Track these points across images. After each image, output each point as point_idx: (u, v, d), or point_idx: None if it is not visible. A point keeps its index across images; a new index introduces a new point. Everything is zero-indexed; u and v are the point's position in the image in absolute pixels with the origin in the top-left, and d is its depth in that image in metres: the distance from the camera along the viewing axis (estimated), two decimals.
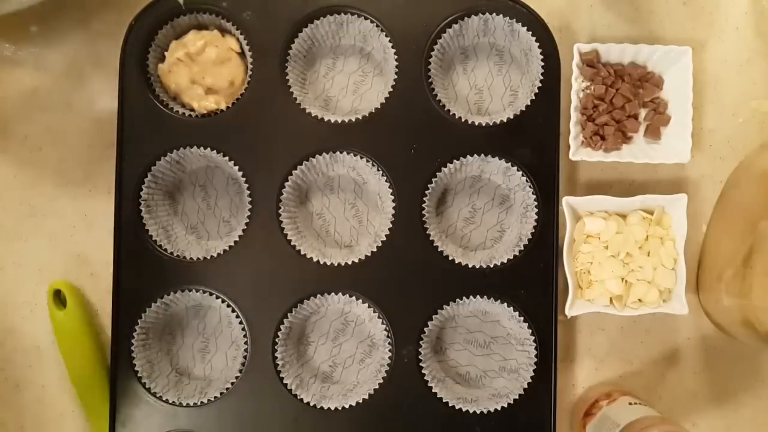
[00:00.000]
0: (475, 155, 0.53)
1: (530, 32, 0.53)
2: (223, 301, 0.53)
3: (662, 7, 0.58)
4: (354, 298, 0.53)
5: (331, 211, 0.56)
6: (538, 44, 0.53)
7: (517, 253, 0.52)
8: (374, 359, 0.55)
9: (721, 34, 0.58)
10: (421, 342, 0.53)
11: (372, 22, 0.54)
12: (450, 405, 0.52)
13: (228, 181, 0.56)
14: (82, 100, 0.58)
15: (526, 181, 0.53)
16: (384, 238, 0.53)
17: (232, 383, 0.52)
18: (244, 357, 0.53)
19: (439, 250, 0.53)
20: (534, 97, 0.53)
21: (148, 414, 0.52)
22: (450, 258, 0.53)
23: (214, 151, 0.53)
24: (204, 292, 0.53)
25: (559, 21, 0.57)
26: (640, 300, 0.52)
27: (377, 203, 0.56)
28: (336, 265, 0.53)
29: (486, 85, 0.57)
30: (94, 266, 0.58)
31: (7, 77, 0.59)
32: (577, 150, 0.54)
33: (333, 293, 0.53)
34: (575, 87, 0.54)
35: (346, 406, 0.52)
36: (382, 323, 0.53)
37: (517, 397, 0.52)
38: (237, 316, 0.53)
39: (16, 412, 0.58)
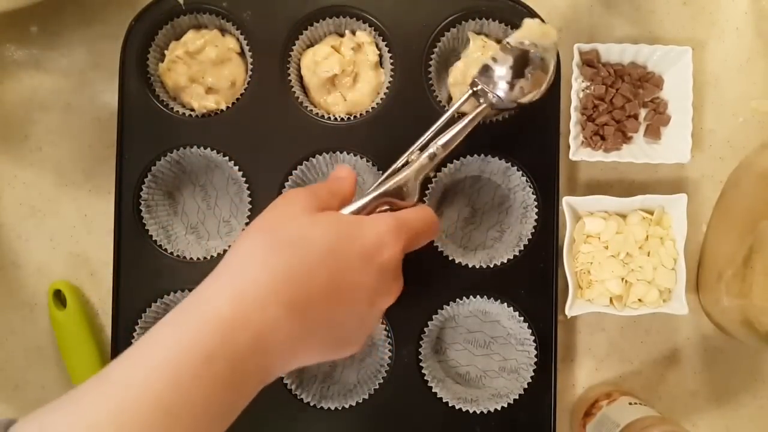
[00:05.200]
0: (475, 155, 0.53)
1: None
2: None
3: (662, 7, 0.58)
4: None
5: None
6: None
7: (517, 253, 0.52)
8: (374, 359, 0.55)
9: (721, 34, 0.58)
10: (421, 342, 0.53)
11: (372, 24, 0.54)
12: (450, 405, 0.52)
13: (228, 181, 0.56)
14: (82, 100, 0.58)
15: (526, 181, 0.53)
16: None
17: None
18: None
19: (439, 250, 0.53)
20: None
21: None
22: (450, 258, 0.53)
23: (214, 151, 0.53)
24: None
25: (559, 21, 0.57)
26: (640, 300, 0.52)
27: None
28: None
29: None
30: (94, 266, 0.58)
31: (7, 77, 0.59)
32: (577, 150, 0.54)
33: None
34: (575, 87, 0.54)
35: (346, 406, 0.52)
36: (382, 323, 0.53)
37: (517, 397, 0.52)
38: None
39: (16, 412, 0.58)
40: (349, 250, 0.38)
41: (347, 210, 0.42)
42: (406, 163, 0.45)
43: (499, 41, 0.54)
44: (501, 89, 0.46)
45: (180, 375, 0.32)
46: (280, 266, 0.36)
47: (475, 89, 0.47)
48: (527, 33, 0.47)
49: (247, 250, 0.38)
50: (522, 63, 0.46)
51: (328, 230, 0.38)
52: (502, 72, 0.46)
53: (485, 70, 0.47)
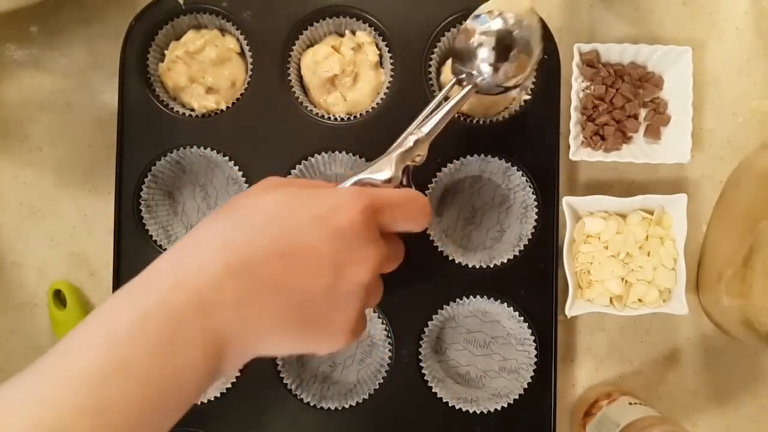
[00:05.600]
0: (475, 155, 0.53)
1: None
2: None
3: (662, 7, 0.58)
4: None
5: None
6: None
7: (517, 253, 0.52)
8: (374, 359, 0.55)
9: (721, 34, 0.58)
10: (421, 342, 0.53)
11: (372, 24, 0.54)
12: (450, 405, 0.52)
13: (228, 181, 0.56)
14: (82, 100, 0.58)
15: (526, 181, 0.53)
16: None
17: (233, 383, 0.52)
18: None
19: (439, 250, 0.53)
20: (534, 97, 0.53)
21: None
22: (450, 258, 0.53)
23: (214, 151, 0.53)
24: None
25: (559, 21, 0.58)
26: (640, 300, 0.52)
27: None
28: None
29: None
30: (94, 266, 0.58)
31: (7, 77, 0.59)
32: (577, 150, 0.54)
33: None
34: (575, 87, 0.54)
35: (346, 406, 0.52)
36: (382, 323, 0.53)
37: (517, 397, 0.52)
38: None
39: None
40: (299, 213, 0.36)
41: None
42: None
43: None
44: (485, 72, 0.44)
45: (114, 336, 0.31)
46: (223, 230, 0.35)
47: (459, 77, 0.45)
48: (495, 4, 0.45)
49: (199, 225, 0.37)
50: (505, 45, 0.43)
51: (278, 197, 0.37)
52: (484, 54, 0.44)
53: (466, 55, 0.44)
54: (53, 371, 0.31)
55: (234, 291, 0.34)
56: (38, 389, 0.30)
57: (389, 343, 0.53)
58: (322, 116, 0.54)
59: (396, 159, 0.41)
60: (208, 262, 0.34)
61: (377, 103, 0.53)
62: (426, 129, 0.43)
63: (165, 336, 0.32)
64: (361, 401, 0.52)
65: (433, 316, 0.53)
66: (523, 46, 0.44)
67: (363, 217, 0.37)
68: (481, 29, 0.44)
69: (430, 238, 0.53)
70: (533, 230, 0.53)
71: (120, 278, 0.53)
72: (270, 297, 0.35)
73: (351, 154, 0.53)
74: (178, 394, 0.32)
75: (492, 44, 0.43)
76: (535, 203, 0.53)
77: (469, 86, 0.44)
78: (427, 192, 0.53)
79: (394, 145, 0.43)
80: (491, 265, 0.53)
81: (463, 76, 0.45)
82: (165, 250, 0.53)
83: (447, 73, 0.54)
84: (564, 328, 0.57)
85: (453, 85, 0.45)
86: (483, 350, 0.56)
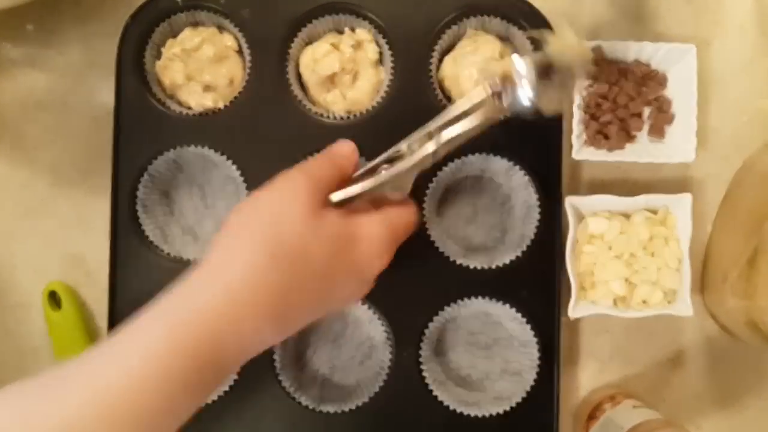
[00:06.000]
0: (477, 154, 0.52)
1: None
2: None
3: (666, 4, 0.58)
4: None
5: None
6: None
7: (520, 254, 0.52)
8: (374, 361, 0.55)
9: (725, 33, 0.58)
10: (421, 344, 0.52)
11: (372, 21, 0.53)
12: (451, 408, 0.51)
13: (226, 181, 0.56)
14: (78, 99, 0.58)
15: (528, 180, 0.52)
16: None
17: (231, 386, 0.52)
18: None
19: (440, 250, 0.52)
20: None
21: None
22: (451, 258, 0.52)
23: (212, 150, 0.53)
24: None
25: (562, 19, 0.57)
26: (644, 301, 0.52)
27: None
28: None
29: None
30: (89, 267, 0.57)
31: (2, 76, 0.58)
32: (580, 149, 0.53)
33: None
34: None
35: (346, 410, 0.52)
36: (382, 325, 0.52)
37: (519, 400, 0.51)
38: None
39: None
40: (342, 266, 0.41)
41: (338, 195, 0.42)
42: (398, 154, 0.43)
43: (500, 38, 0.54)
44: (526, 98, 0.41)
45: (169, 382, 0.35)
46: (277, 283, 0.38)
47: (495, 90, 0.42)
48: (567, 49, 0.42)
49: (248, 252, 0.38)
50: (549, 73, 0.41)
51: (326, 245, 0.40)
52: (532, 77, 0.41)
53: (513, 74, 0.41)
54: (98, 400, 0.34)
55: (269, 336, 0.39)
56: (77, 411, 0.33)
57: (389, 345, 0.52)
58: (322, 115, 0.53)
59: (413, 170, 0.43)
60: (260, 315, 0.37)
61: (377, 102, 0.53)
62: (446, 140, 0.42)
63: (210, 379, 0.37)
64: (360, 404, 0.52)
65: (434, 318, 0.52)
66: (566, 83, 0.43)
67: (389, 257, 0.43)
68: (531, 63, 0.41)
69: (431, 239, 0.52)
70: (535, 230, 0.52)
71: (116, 279, 0.52)
72: (292, 330, 0.41)
73: None
74: (196, 404, 0.37)
75: (540, 71, 0.41)
76: (538, 203, 0.52)
77: (504, 107, 0.42)
78: (427, 191, 0.52)
79: (402, 143, 0.43)
80: (493, 266, 0.52)
81: (500, 91, 0.42)
82: (161, 250, 0.53)
83: (446, 71, 0.53)
84: (567, 329, 0.56)
85: (483, 99, 0.42)
86: (485, 352, 0.55)
